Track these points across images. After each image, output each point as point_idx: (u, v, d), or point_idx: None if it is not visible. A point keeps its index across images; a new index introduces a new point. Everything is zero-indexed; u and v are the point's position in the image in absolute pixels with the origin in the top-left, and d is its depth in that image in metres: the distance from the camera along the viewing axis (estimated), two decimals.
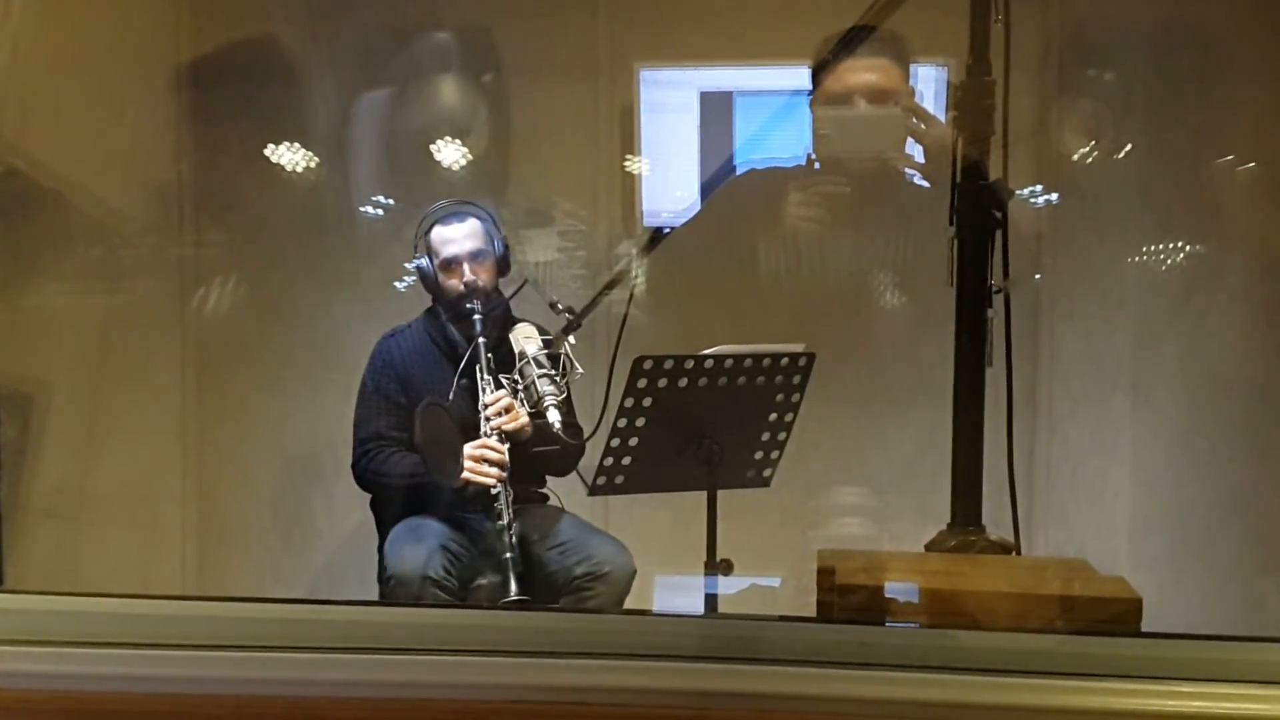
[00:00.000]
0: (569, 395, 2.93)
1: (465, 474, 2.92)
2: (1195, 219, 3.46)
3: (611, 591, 2.94)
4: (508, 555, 2.85)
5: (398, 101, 3.67)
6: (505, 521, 2.88)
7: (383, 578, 3.06)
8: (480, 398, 2.98)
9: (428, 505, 3.07)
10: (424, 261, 3.07)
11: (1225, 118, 3.41)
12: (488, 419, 2.96)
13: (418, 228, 3.09)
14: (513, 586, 2.81)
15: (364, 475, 3.08)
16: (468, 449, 2.94)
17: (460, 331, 3.05)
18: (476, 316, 2.99)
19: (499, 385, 2.97)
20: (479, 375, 2.99)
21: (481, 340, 2.99)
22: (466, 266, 3.03)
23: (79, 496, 3.31)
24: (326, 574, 3.77)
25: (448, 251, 3.04)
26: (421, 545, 2.91)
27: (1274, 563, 3.29)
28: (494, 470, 2.91)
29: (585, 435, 2.92)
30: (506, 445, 2.94)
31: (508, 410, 2.95)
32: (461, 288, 3.02)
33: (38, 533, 3.14)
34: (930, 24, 2.54)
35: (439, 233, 3.06)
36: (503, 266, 3.10)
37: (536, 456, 2.97)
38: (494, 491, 2.91)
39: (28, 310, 3.16)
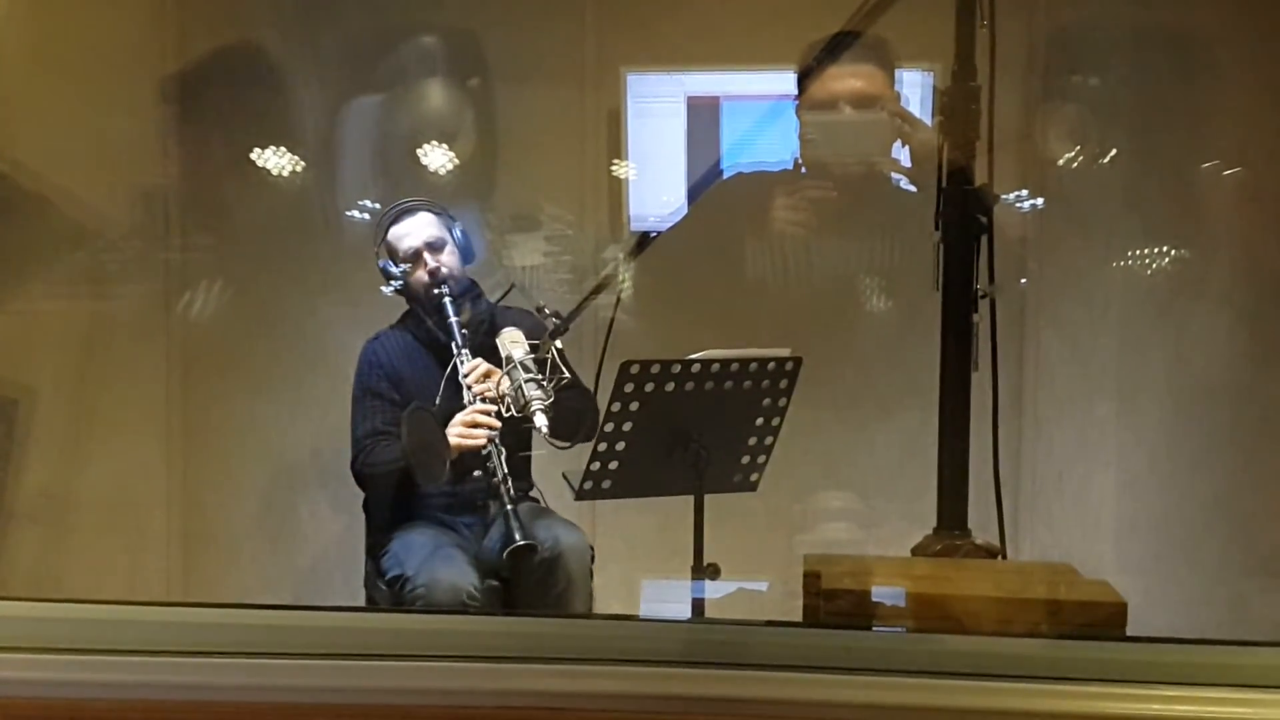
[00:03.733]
0: (564, 354, 2.92)
1: (456, 439, 2.91)
2: (1180, 224, 3.47)
3: (572, 572, 2.91)
4: (509, 507, 2.84)
5: (384, 106, 3.67)
6: (500, 476, 2.87)
7: (371, 582, 3.05)
8: (459, 369, 2.98)
9: (421, 507, 3.07)
10: (387, 264, 3.09)
11: (1210, 123, 3.42)
12: (469, 387, 2.96)
13: (374, 238, 3.12)
14: (516, 535, 2.80)
15: (362, 471, 3.06)
16: (458, 417, 2.93)
17: (441, 326, 3.05)
18: (446, 299, 3.01)
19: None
20: (454, 351, 2.99)
21: (454, 320, 3.00)
22: (427, 255, 3.05)
23: (64, 502, 3.30)
24: (312, 579, 3.76)
25: (405, 245, 3.07)
26: (454, 564, 2.90)
27: (1258, 566, 3.31)
28: (483, 432, 2.90)
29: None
30: (495, 410, 2.93)
31: (487, 376, 2.95)
32: (427, 278, 3.04)
33: (22, 538, 3.13)
34: (915, 29, 2.54)
35: (393, 232, 3.09)
36: (466, 253, 3.12)
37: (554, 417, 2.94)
38: (485, 452, 2.90)
39: (12, 315, 3.15)
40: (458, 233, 3.11)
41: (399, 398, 3.06)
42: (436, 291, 3.02)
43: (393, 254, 3.09)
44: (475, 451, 2.92)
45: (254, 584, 3.76)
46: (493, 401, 2.93)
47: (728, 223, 3.24)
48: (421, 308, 3.09)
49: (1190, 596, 3.39)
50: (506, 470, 2.89)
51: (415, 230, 3.08)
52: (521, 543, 2.79)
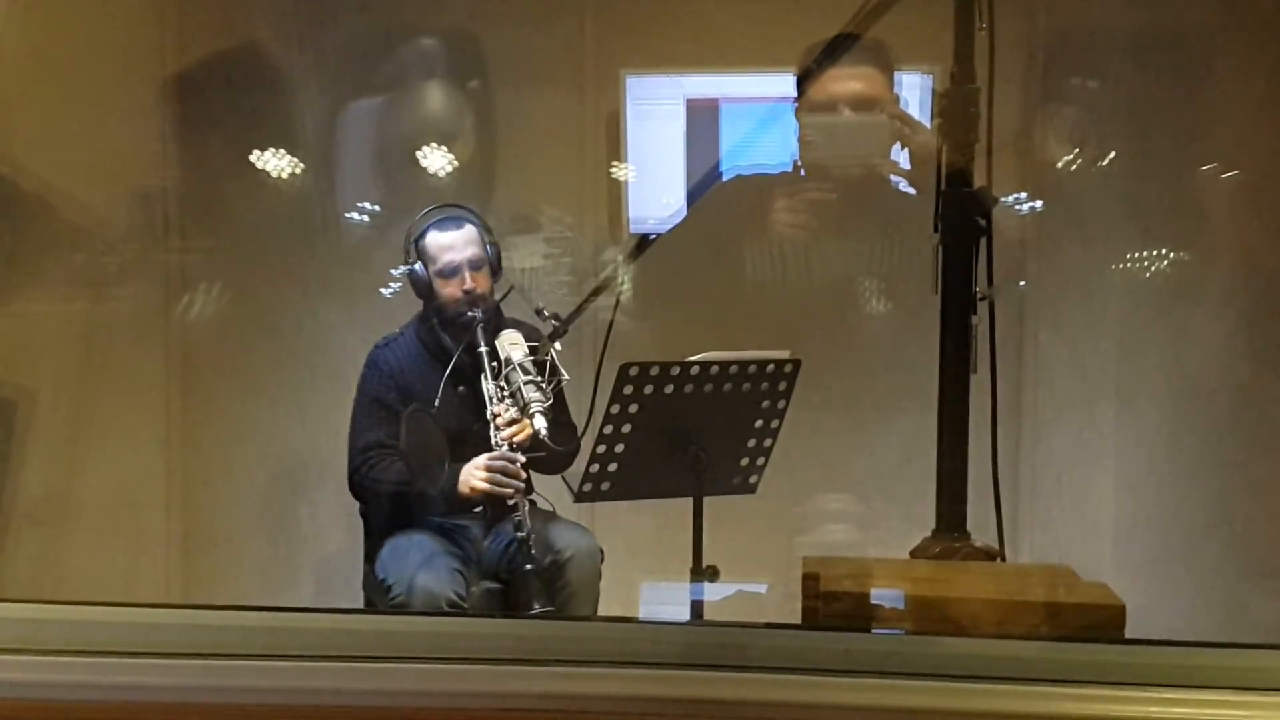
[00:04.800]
0: (562, 393, 2.92)
1: (483, 484, 2.89)
2: (1178, 226, 3.48)
3: (581, 576, 2.92)
4: (529, 567, 2.83)
5: (384, 108, 3.67)
6: (524, 534, 2.86)
7: (370, 585, 3.05)
8: (488, 406, 2.94)
9: (418, 511, 3.06)
10: (418, 267, 3.02)
11: (1208, 125, 3.43)
12: (498, 428, 2.92)
13: (409, 232, 3.04)
14: (535, 604, 2.80)
15: (364, 484, 3.03)
16: (485, 460, 2.91)
17: (453, 337, 3.02)
18: (479, 325, 2.96)
19: (504, 393, 2.95)
20: (484, 383, 2.95)
21: (484, 349, 2.95)
22: (467, 275, 2.98)
23: (63, 504, 3.30)
24: (312, 581, 3.76)
25: (447, 259, 2.99)
26: (434, 571, 2.88)
27: (1257, 569, 3.31)
28: (514, 483, 2.89)
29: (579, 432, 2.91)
30: (521, 462, 2.92)
31: (517, 421, 2.91)
32: (461, 295, 2.98)
33: (22, 540, 3.13)
34: (915, 32, 2.54)
35: (436, 239, 3.00)
36: (495, 273, 3.07)
37: (531, 457, 2.95)
38: (511, 503, 2.89)
39: (11, 316, 3.15)
40: (491, 250, 3.04)
41: (404, 410, 3.00)
42: (470, 314, 2.97)
43: (426, 257, 3.01)
44: (500, 501, 2.91)
45: (254, 586, 3.76)
46: (520, 449, 2.91)
47: (727, 225, 3.24)
48: (439, 321, 3.03)
49: (1189, 599, 3.39)
50: (531, 527, 2.88)
51: (460, 245, 2.99)
52: (538, 609, 2.80)
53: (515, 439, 2.91)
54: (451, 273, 2.99)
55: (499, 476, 2.89)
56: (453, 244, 3.00)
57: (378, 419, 3.04)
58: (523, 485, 2.91)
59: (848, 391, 3.44)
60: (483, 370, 2.95)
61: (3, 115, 3.05)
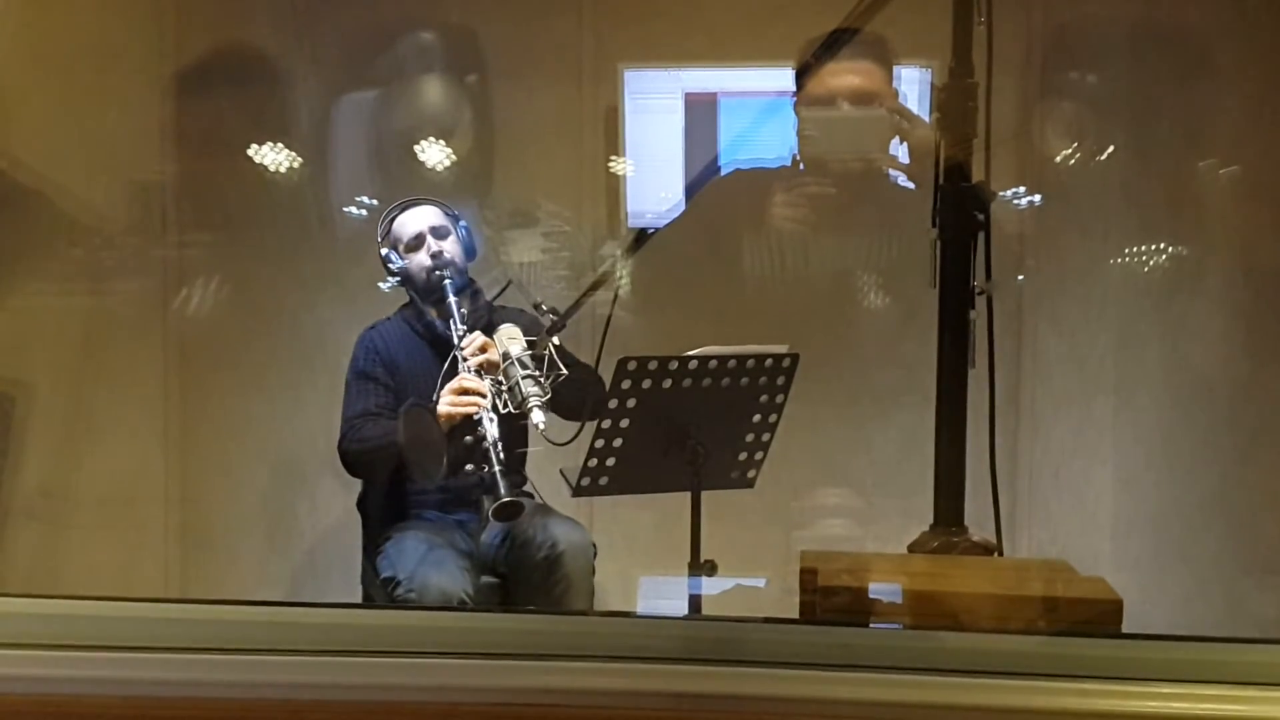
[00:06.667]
0: (562, 346, 2.90)
1: (447, 408, 2.88)
2: (1177, 221, 3.48)
3: (574, 571, 2.93)
4: (496, 469, 2.80)
5: (382, 102, 3.66)
6: (490, 440, 2.83)
7: (369, 580, 3.05)
8: (455, 343, 2.97)
9: (416, 505, 3.07)
10: (390, 254, 3.10)
11: (1207, 120, 3.42)
12: (464, 360, 2.94)
13: (378, 231, 3.13)
14: (502, 490, 2.76)
15: (350, 449, 3.03)
16: (448, 386, 2.92)
17: (439, 315, 3.06)
18: (447, 282, 3.02)
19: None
20: (453, 327, 2.99)
21: (454, 300, 3.00)
22: (430, 240, 3.07)
23: (61, 498, 3.30)
24: (310, 576, 3.76)
25: (408, 231, 3.09)
26: (446, 569, 2.88)
27: (1255, 564, 3.31)
28: (475, 399, 2.88)
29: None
30: (488, 380, 2.90)
31: (483, 349, 2.94)
32: (429, 261, 3.05)
33: (19, 534, 3.13)
34: (913, 26, 2.55)
35: (398, 221, 3.12)
36: (468, 249, 3.12)
37: (557, 394, 2.85)
38: (476, 417, 2.87)
39: (9, 311, 3.15)
40: (461, 228, 3.13)
41: (393, 384, 3.06)
42: (438, 274, 3.03)
43: (396, 244, 3.11)
44: (467, 419, 2.89)
45: (252, 580, 3.76)
46: (489, 370, 2.91)
47: (725, 219, 3.24)
48: (421, 298, 3.09)
49: (1186, 593, 3.39)
50: (498, 434, 2.85)
51: (420, 218, 3.11)
52: (506, 499, 2.75)
53: (482, 367, 2.91)
54: (417, 242, 3.08)
55: (459, 399, 2.88)
56: (414, 218, 3.12)
57: (365, 390, 3.08)
58: (487, 400, 2.88)
59: (846, 386, 3.44)
60: (452, 316, 2.99)
61: (1, 109, 3.05)
